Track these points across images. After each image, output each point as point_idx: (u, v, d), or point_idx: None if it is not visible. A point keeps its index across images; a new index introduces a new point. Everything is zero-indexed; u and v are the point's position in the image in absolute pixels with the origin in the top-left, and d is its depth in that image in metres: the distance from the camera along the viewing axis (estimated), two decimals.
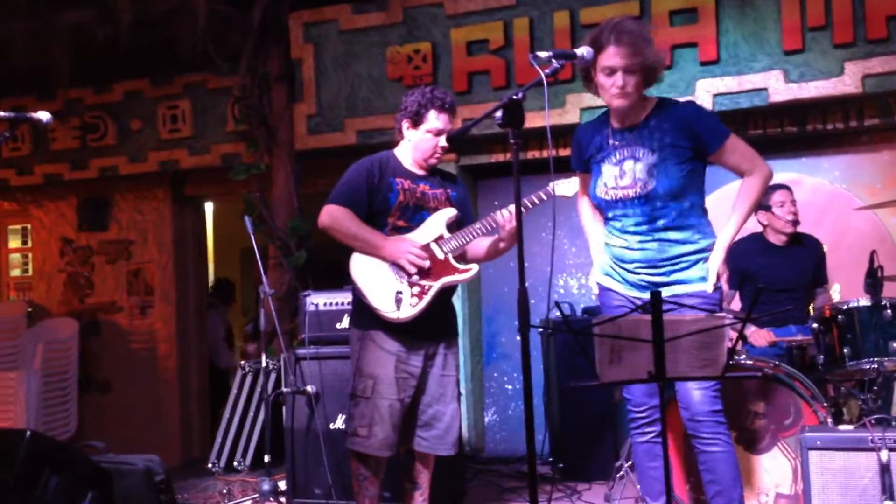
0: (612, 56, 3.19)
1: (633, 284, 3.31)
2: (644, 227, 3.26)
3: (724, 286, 3.27)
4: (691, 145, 3.23)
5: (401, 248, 3.57)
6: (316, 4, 6.41)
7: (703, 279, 3.23)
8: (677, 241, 3.24)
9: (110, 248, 7.59)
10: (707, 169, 3.38)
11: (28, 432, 3.63)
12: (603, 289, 3.43)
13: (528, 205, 3.60)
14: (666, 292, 3.17)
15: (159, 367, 7.38)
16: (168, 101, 7.09)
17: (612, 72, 3.21)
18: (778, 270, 4.77)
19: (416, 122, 3.70)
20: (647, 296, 3.16)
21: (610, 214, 3.36)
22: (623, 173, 3.27)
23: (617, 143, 3.31)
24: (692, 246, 3.25)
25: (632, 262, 3.30)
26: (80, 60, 6.96)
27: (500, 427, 6.51)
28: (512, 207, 3.55)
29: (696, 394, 3.19)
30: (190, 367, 7.52)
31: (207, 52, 6.44)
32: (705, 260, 3.25)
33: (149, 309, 7.43)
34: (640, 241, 3.27)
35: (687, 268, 3.24)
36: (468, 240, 3.67)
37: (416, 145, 3.73)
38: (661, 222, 3.24)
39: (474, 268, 3.69)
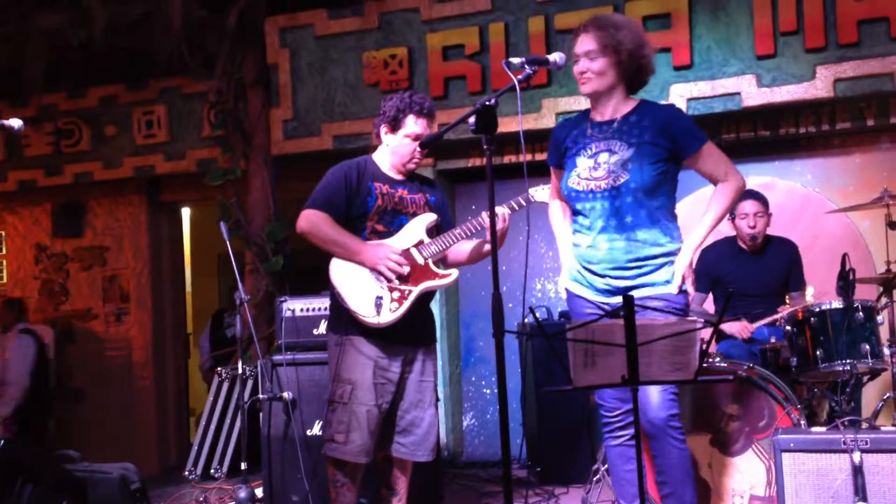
0: (577, 44, 3.26)
1: (599, 290, 3.29)
2: (612, 223, 3.23)
3: (690, 289, 3.26)
4: (668, 146, 3.23)
5: (380, 253, 3.56)
6: (292, 9, 6.40)
7: (669, 282, 3.23)
8: (645, 242, 3.23)
9: (85, 254, 7.55)
10: (679, 175, 3.40)
11: (2, 441, 3.60)
12: (571, 295, 3.41)
13: (508, 210, 3.62)
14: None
15: (135, 375, 7.34)
16: (143, 107, 7.07)
17: (577, 59, 3.26)
18: (747, 275, 4.80)
19: (395, 126, 3.70)
20: (614, 300, 3.17)
21: (578, 207, 3.32)
22: (597, 165, 3.26)
23: (595, 135, 3.31)
24: (660, 248, 3.24)
25: (599, 262, 3.27)
26: (54, 65, 6.92)
27: (479, 431, 6.52)
28: (497, 210, 3.59)
29: (653, 397, 3.19)
30: (166, 374, 7.47)
31: (183, 56, 6.41)
32: (672, 263, 3.25)
33: (124, 316, 7.39)
34: (608, 240, 3.24)
35: (653, 271, 3.23)
36: (448, 245, 3.67)
37: (394, 150, 3.73)
38: (629, 219, 3.22)
39: (454, 273, 3.69)
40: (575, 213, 3.38)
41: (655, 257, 3.24)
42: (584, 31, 3.25)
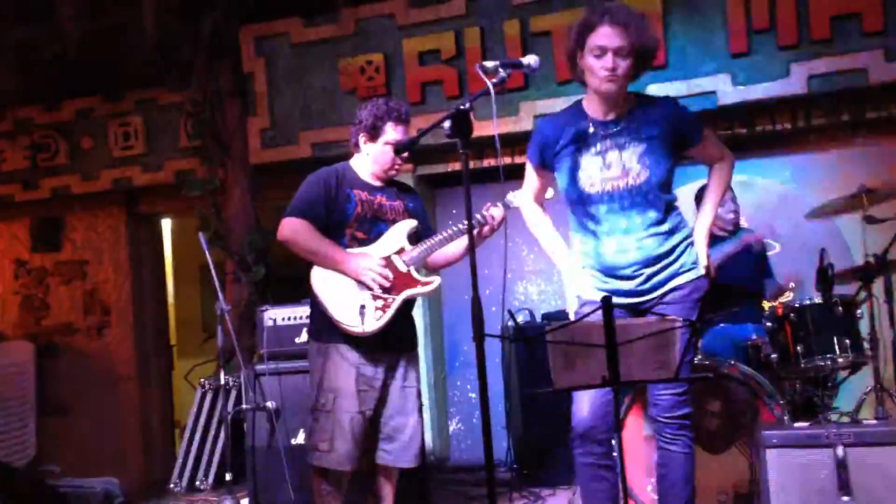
0: (603, 36, 3.03)
1: (627, 292, 3.17)
2: (638, 221, 3.13)
3: (711, 270, 3.27)
4: (676, 139, 3.17)
5: (363, 264, 3.55)
6: (267, 18, 6.38)
7: (696, 264, 3.20)
8: (669, 232, 3.18)
9: (65, 268, 7.49)
10: None
11: None
12: (590, 303, 3.17)
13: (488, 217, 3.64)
14: (666, 287, 3.17)
15: (118, 389, 7.27)
16: (119, 118, 7.03)
17: (602, 53, 3.03)
18: (721, 274, 4.81)
19: (374, 135, 3.70)
20: (643, 299, 3.16)
21: (591, 210, 3.17)
22: (609, 164, 3.13)
23: (601, 133, 3.15)
24: (679, 236, 3.20)
25: (630, 265, 3.15)
26: (29, 79, 6.87)
27: (465, 436, 6.51)
28: (488, 207, 3.63)
29: (666, 396, 3.19)
30: (150, 386, 7.42)
31: (158, 67, 6.38)
32: (691, 245, 3.23)
33: (106, 329, 7.33)
34: (637, 239, 3.14)
35: (679, 257, 3.18)
36: (429, 251, 3.68)
37: (375, 158, 3.72)
38: (652, 214, 3.14)
39: (436, 280, 3.69)
40: (585, 216, 3.22)
41: (679, 245, 3.20)
42: (613, 23, 3.02)
